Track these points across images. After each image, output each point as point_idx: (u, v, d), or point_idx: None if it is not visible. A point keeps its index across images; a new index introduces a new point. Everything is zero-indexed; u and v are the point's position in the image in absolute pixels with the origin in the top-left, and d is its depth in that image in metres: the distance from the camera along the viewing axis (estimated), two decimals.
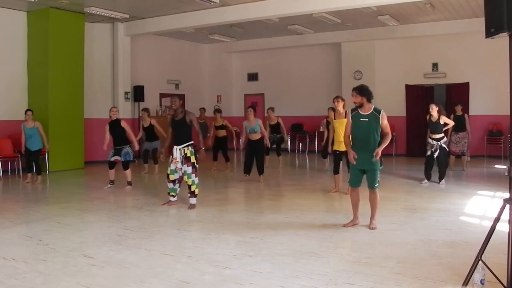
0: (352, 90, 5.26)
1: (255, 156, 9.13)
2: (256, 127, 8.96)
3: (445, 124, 8.64)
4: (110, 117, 8.29)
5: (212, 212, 6.52)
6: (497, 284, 3.24)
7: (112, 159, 8.30)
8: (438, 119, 8.46)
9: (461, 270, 3.66)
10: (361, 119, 5.18)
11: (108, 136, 8.30)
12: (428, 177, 8.75)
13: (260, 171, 9.17)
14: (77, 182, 9.97)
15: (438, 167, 8.65)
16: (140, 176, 10.09)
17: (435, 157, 8.57)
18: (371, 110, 5.16)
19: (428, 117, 8.65)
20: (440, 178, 8.65)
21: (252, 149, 9.12)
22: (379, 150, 5.10)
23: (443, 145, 8.56)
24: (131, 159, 8.41)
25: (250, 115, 8.93)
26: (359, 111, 5.21)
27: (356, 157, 5.18)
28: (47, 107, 10.81)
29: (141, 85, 13.53)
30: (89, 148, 11.88)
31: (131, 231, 5.46)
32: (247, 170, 9.23)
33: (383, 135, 5.21)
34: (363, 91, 5.17)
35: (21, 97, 10.90)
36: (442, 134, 8.57)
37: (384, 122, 5.17)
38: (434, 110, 8.46)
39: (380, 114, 5.14)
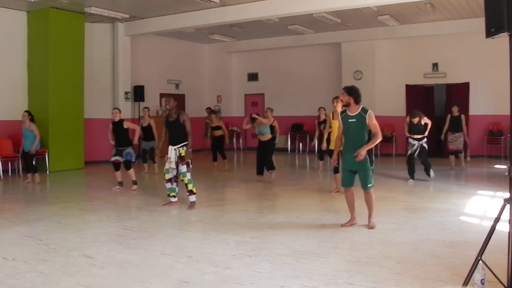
0: (342, 89, 5.36)
1: (264, 155, 9.23)
2: (265, 129, 9.15)
3: (426, 125, 9.04)
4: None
5: (212, 212, 6.53)
6: (497, 284, 3.24)
7: (113, 159, 8.28)
8: (419, 121, 8.89)
9: (461, 270, 3.66)
10: (349, 120, 5.23)
11: (111, 135, 8.37)
12: (412, 176, 8.95)
13: (270, 167, 9.24)
14: (77, 182, 9.98)
15: (422, 163, 9.00)
16: (140, 176, 10.06)
17: (415, 155, 8.89)
18: (359, 110, 5.20)
19: (408, 119, 9.10)
20: (427, 170, 8.98)
21: (262, 149, 9.25)
22: (361, 151, 5.08)
23: (424, 144, 8.90)
24: (132, 159, 8.41)
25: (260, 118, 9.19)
26: (348, 112, 5.27)
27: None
28: (47, 107, 10.81)
29: (141, 85, 13.54)
30: (89, 148, 11.88)
31: (131, 231, 5.47)
32: (260, 171, 9.33)
33: (372, 136, 5.21)
34: (351, 91, 5.23)
35: (21, 97, 10.90)
36: (423, 135, 8.92)
37: (372, 122, 5.15)
38: (416, 119, 8.90)
39: (367, 114, 5.14)
